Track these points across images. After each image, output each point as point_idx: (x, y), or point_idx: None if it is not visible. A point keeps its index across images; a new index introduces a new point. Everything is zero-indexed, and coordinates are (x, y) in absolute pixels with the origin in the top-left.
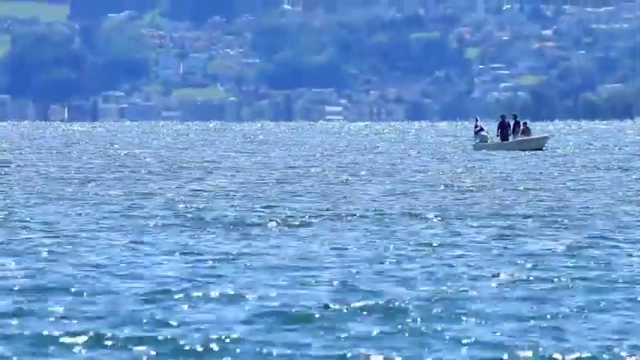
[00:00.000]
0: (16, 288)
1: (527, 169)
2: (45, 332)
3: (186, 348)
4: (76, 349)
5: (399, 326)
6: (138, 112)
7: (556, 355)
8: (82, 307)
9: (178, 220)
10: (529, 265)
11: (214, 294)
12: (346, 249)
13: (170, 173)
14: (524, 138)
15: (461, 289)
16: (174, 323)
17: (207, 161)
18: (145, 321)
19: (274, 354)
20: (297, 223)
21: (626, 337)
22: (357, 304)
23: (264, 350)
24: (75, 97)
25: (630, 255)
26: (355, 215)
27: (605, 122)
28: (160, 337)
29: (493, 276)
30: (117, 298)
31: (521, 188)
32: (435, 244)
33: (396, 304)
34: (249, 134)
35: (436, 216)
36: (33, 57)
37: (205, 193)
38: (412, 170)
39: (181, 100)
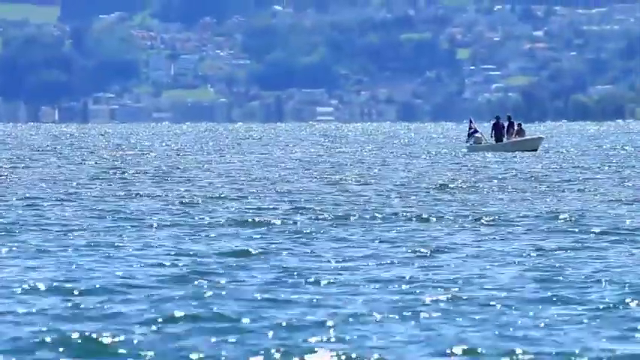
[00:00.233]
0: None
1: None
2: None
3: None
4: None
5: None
6: (128, 113)
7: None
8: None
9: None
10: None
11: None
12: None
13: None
14: (519, 139)
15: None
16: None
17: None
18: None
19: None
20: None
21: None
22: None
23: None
24: (65, 99)
25: (625, 254)
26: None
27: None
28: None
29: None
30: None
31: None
32: (435, 246)
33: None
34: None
35: (437, 218)
36: (24, 59)
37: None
38: (416, 172)
39: (172, 101)
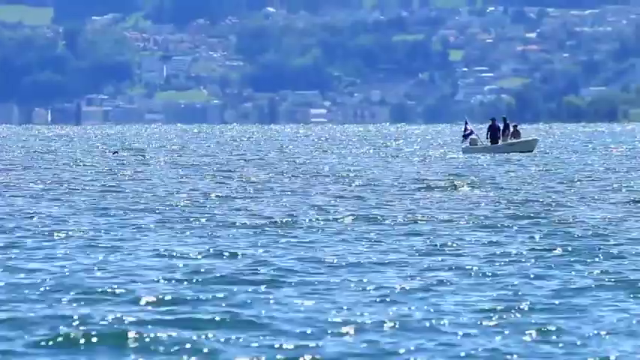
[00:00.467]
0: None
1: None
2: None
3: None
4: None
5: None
6: (121, 114)
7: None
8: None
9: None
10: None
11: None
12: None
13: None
14: (514, 141)
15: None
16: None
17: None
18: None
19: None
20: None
21: (620, 337)
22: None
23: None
24: (59, 100)
25: (619, 257)
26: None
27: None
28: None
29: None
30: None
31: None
32: (435, 247)
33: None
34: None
35: (439, 220)
36: (17, 60)
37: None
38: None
39: (165, 102)
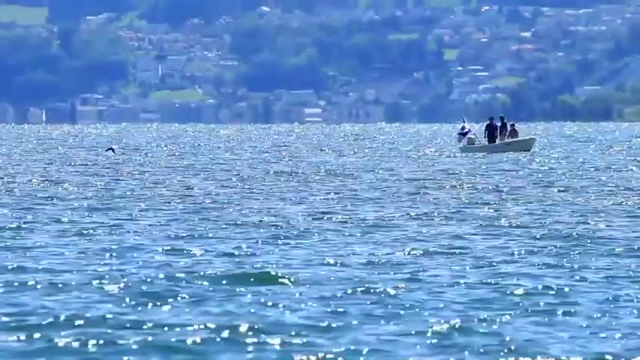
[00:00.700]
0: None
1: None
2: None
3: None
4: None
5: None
6: (116, 114)
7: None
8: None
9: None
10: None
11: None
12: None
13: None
14: (512, 140)
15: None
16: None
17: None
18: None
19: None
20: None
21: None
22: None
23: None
24: (53, 100)
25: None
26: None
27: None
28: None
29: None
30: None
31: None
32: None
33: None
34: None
35: (442, 217)
36: (12, 60)
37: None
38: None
39: (159, 102)
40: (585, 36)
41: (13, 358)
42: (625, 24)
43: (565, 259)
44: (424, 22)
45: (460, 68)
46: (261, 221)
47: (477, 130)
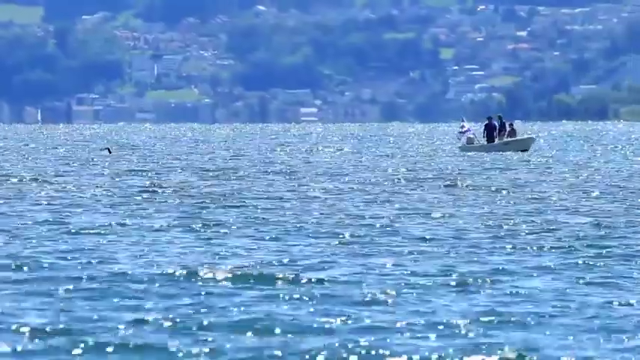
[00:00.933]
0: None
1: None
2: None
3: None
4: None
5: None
6: (112, 114)
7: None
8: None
9: None
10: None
11: None
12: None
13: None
14: (510, 139)
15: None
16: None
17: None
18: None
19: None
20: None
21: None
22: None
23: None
24: (49, 99)
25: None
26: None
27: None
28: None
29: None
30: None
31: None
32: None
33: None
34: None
35: (441, 215)
36: (7, 59)
37: None
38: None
39: (155, 101)
40: (581, 35)
41: None
42: (621, 23)
43: (571, 260)
44: (420, 21)
45: (456, 67)
46: None
47: (476, 129)
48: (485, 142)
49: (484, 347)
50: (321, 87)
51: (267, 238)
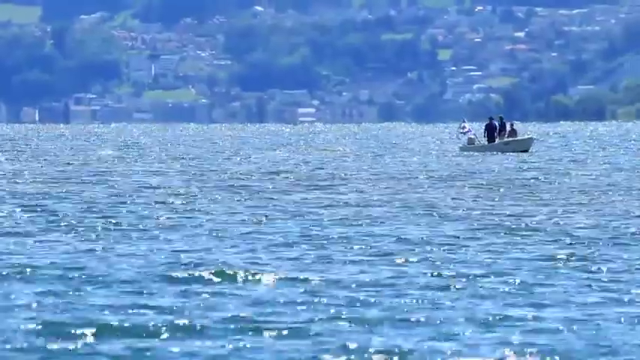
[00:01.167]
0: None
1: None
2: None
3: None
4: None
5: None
6: (109, 114)
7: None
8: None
9: None
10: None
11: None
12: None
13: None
14: (510, 140)
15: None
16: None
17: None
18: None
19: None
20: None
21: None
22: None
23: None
24: (47, 99)
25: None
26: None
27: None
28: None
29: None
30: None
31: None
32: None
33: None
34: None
35: (441, 214)
36: (5, 59)
37: None
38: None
39: (153, 101)
40: (579, 36)
41: None
42: (619, 24)
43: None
44: (418, 21)
45: (454, 68)
46: None
47: (476, 130)
48: (486, 143)
49: (485, 347)
50: (318, 87)
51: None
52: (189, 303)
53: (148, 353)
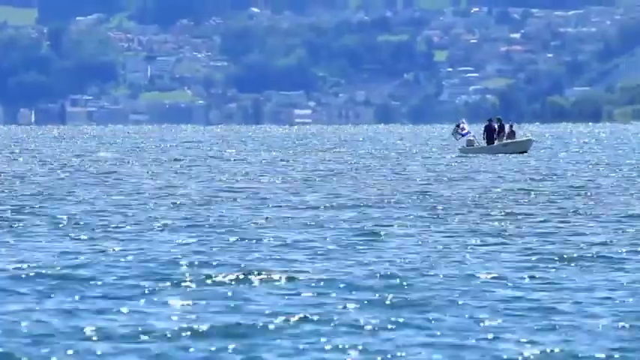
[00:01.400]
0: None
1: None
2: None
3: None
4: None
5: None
6: (106, 115)
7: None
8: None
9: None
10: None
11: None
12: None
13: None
14: (509, 141)
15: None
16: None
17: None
18: None
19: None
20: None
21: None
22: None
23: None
24: (44, 101)
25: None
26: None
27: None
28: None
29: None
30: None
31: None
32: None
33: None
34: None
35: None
36: (1, 61)
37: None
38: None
39: (149, 103)
40: (575, 37)
41: None
42: (614, 25)
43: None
44: (414, 23)
45: (450, 69)
46: None
47: (475, 131)
48: (485, 144)
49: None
50: (314, 89)
51: None
52: (190, 304)
53: (149, 354)
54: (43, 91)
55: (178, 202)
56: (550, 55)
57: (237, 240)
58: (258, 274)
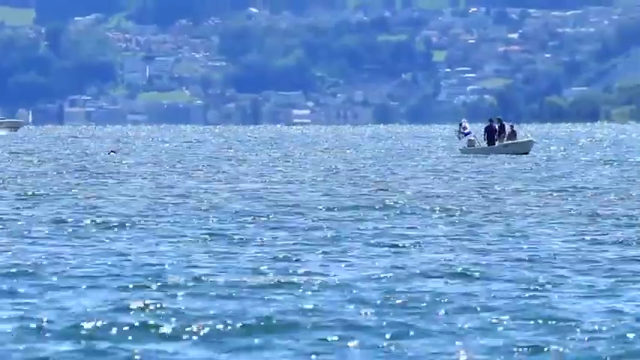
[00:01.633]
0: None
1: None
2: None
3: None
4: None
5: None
6: (104, 115)
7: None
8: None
9: None
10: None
11: None
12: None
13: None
14: (510, 142)
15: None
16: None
17: None
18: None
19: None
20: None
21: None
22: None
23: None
24: (41, 101)
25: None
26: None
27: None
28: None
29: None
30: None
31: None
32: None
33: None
34: None
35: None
36: (0, 61)
37: None
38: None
39: (147, 103)
40: (573, 37)
41: None
42: (612, 25)
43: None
44: (412, 23)
45: (448, 69)
46: None
47: (475, 131)
48: (486, 145)
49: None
50: (313, 89)
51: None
52: (191, 305)
53: (149, 355)
54: (41, 91)
55: (178, 202)
56: (548, 55)
57: (237, 240)
58: (258, 275)
